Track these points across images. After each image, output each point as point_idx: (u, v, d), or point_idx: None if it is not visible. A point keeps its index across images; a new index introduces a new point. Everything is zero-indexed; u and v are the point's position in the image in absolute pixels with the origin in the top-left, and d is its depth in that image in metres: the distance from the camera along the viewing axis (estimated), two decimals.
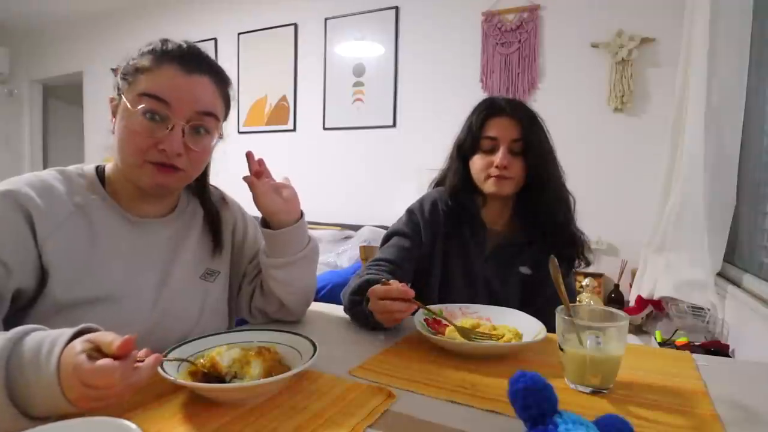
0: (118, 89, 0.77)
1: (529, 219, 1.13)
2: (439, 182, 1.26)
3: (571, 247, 1.13)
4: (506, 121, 1.09)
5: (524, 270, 1.15)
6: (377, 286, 0.86)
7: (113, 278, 0.75)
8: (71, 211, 0.74)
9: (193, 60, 0.76)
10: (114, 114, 0.78)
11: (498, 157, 1.07)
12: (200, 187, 0.92)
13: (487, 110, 1.12)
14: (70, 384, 0.49)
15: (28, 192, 0.70)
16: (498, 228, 1.19)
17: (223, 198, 0.99)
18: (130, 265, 0.78)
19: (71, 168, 0.81)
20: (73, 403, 0.49)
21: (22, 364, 0.51)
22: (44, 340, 0.52)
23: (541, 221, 1.11)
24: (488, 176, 1.10)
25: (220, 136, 0.81)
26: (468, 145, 1.14)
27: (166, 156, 0.73)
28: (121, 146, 0.75)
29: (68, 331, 0.53)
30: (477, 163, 1.12)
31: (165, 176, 0.75)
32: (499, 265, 1.16)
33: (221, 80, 0.80)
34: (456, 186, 1.15)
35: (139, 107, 0.72)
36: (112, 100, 0.78)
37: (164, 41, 0.77)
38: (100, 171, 0.82)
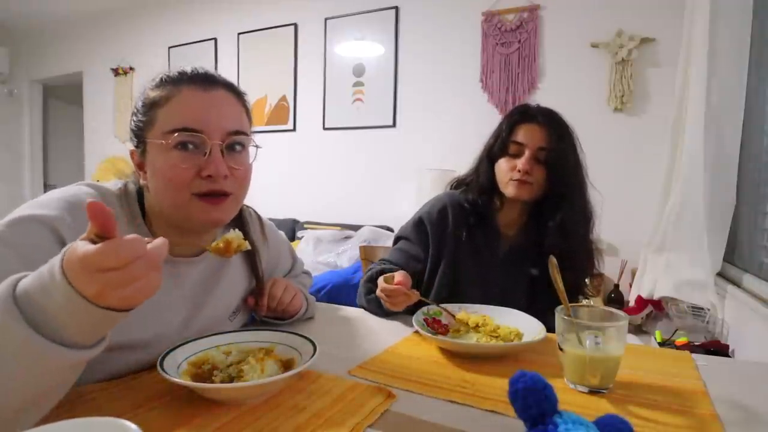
0: (138, 138, 0.72)
1: (543, 227, 1.14)
2: (460, 182, 1.28)
3: (582, 259, 1.14)
4: (535, 128, 1.12)
5: (534, 271, 1.16)
6: (384, 276, 0.98)
7: (142, 322, 0.70)
8: None
9: (207, 78, 0.73)
10: (141, 167, 0.73)
11: (521, 162, 1.10)
12: (237, 218, 0.86)
13: (519, 116, 1.15)
14: (84, 281, 0.44)
15: (62, 215, 0.63)
16: (511, 233, 1.21)
17: (263, 231, 0.97)
18: (160, 307, 0.74)
19: (110, 186, 0.75)
20: (97, 302, 0.44)
21: (30, 296, 0.45)
22: (42, 267, 0.47)
23: (554, 231, 1.11)
24: (510, 179, 1.12)
25: (257, 147, 0.78)
26: (497, 148, 1.16)
27: (213, 181, 0.70)
28: (163, 188, 0.70)
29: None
30: (502, 165, 1.15)
31: (217, 209, 0.72)
32: (512, 270, 1.17)
33: (237, 92, 0.77)
34: (483, 186, 1.18)
35: (172, 142, 0.68)
36: (132, 153, 0.74)
37: (168, 72, 0.74)
38: (140, 194, 0.77)
